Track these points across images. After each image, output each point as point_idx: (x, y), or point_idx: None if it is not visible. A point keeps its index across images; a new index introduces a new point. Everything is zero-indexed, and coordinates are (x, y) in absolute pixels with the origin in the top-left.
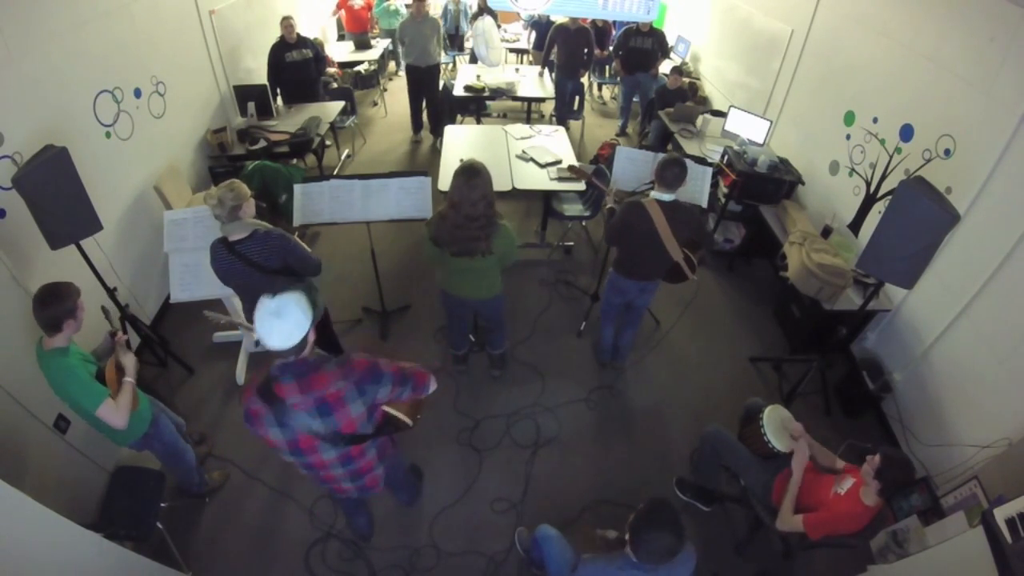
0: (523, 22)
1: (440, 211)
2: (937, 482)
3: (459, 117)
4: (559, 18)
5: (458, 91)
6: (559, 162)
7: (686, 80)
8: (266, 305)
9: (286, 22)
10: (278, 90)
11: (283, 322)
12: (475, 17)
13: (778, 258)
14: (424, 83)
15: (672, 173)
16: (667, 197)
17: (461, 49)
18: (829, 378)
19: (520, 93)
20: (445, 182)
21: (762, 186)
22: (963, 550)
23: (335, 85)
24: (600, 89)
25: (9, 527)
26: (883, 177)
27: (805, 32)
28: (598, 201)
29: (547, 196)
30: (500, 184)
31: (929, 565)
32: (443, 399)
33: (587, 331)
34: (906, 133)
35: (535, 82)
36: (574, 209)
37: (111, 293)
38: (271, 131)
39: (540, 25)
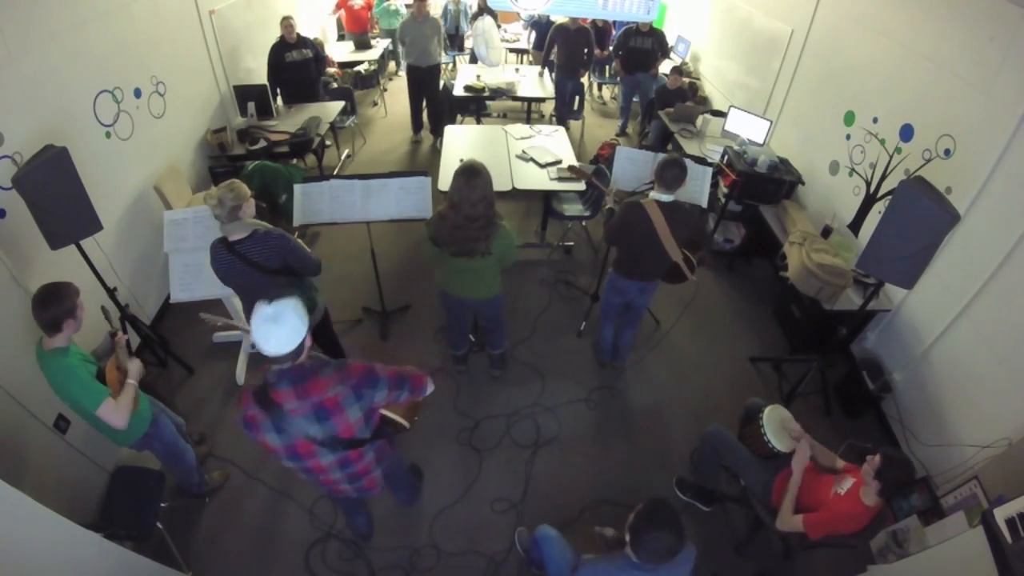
0: (523, 22)
1: (440, 211)
2: (937, 482)
3: (459, 117)
4: (559, 18)
5: (458, 91)
6: (559, 162)
7: (686, 80)
8: (263, 311)
9: (286, 22)
10: (278, 90)
11: (280, 328)
12: (475, 17)
13: (778, 258)
14: (425, 83)
15: (672, 174)
16: (666, 198)
17: (461, 49)
18: (829, 378)
19: (520, 93)
20: (445, 182)
21: (762, 186)
22: (963, 550)
23: (335, 85)
24: (600, 89)
25: (9, 527)
26: (883, 177)
27: (805, 32)
28: (598, 201)
29: (547, 196)
30: (500, 184)
31: (929, 565)
32: (443, 399)
33: (587, 331)
34: (906, 133)
35: (535, 82)
36: (574, 209)
37: (111, 293)
38: (271, 131)
39: (540, 25)
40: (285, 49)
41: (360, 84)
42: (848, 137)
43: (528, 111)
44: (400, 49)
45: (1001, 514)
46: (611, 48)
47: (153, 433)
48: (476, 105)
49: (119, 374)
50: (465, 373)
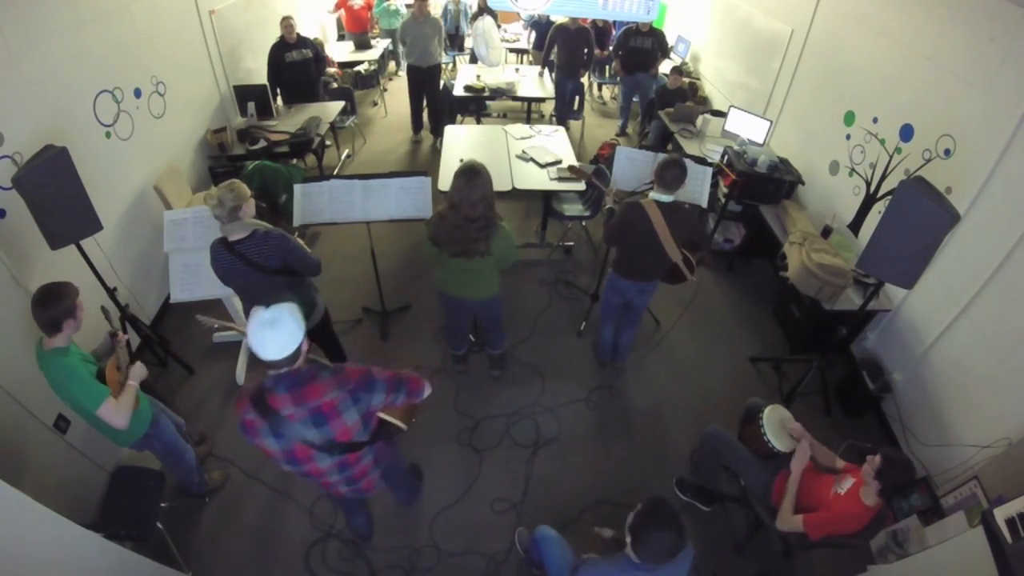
0: (523, 22)
1: (440, 211)
2: (937, 482)
3: (459, 117)
4: (559, 18)
5: (458, 91)
6: (559, 162)
7: (686, 80)
8: (260, 316)
9: (286, 22)
10: (278, 90)
11: (277, 332)
12: (475, 17)
13: (778, 258)
14: (425, 83)
15: (671, 175)
16: (666, 198)
17: (461, 49)
18: (829, 378)
19: (520, 93)
20: (445, 182)
21: (762, 186)
22: (963, 550)
23: (335, 85)
24: (600, 89)
25: (9, 527)
26: (883, 177)
27: (805, 32)
28: (598, 201)
29: (547, 196)
30: (500, 184)
31: (929, 565)
32: (443, 399)
33: (587, 331)
34: (906, 133)
35: (535, 82)
36: (574, 209)
37: (111, 293)
38: (271, 131)
39: (540, 25)
40: (285, 49)
41: (360, 84)
42: (848, 137)
43: (528, 111)
44: (400, 49)
45: (1001, 514)
46: (611, 48)
47: (153, 433)
48: (476, 105)
49: (119, 374)
50: (465, 373)
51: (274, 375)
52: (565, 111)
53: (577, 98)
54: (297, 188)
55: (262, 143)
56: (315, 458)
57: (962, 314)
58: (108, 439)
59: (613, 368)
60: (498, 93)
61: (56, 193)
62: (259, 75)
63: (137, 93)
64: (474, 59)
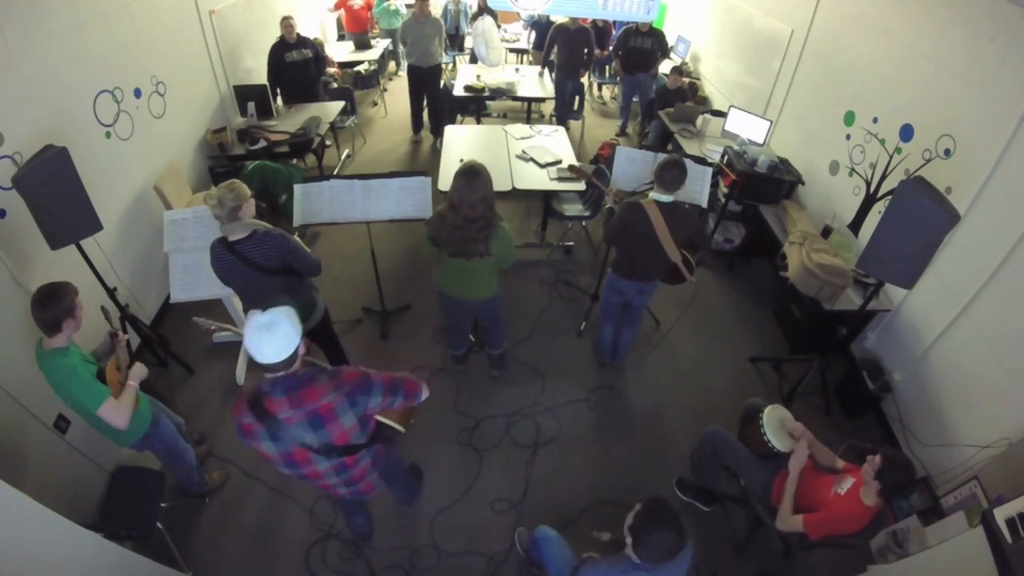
0: (523, 22)
1: (439, 211)
2: (937, 482)
3: (459, 117)
4: (559, 18)
5: (458, 91)
6: (559, 162)
7: (686, 80)
8: (256, 319)
9: (286, 22)
10: (278, 90)
11: (273, 336)
12: (475, 17)
13: (778, 258)
14: (425, 83)
15: (671, 175)
16: (666, 198)
17: (461, 49)
18: (829, 378)
19: (520, 93)
20: (445, 182)
21: (762, 186)
22: (963, 550)
23: (335, 85)
24: (600, 89)
25: (9, 527)
26: (883, 177)
27: (805, 32)
28: (598, 201)
29: (547, 196)
30: (500, 184)
31: (929, 565)
32: (443, 399)
33: (587, 331)
34: (906, 133)
35: (535, 82)
36: (574, 209)
37: (111, 293)
38: (271, 131)
39: (540, 25)
40: (285, 49)
41: (360, 84)
42: (848, 137)
43: (528, 111)
44: (401, 49)
45: (1001, 514)
46: (611, 48)
47: (153, 433)
48: (476, 105)
49: (119, 374)
50: (465, 373)
51: (271, 378)
52: (565, 111)
53: (577, 98)
54: (297, 188)
55: (262, 143)
56: (313, 461)
57: (962, 314)
58: (108, 439)
59: (613, 368)
60: (498, 93)
61: (56, 193)
62: (259, 75)
63: (137, 93)
64: (474, 59)
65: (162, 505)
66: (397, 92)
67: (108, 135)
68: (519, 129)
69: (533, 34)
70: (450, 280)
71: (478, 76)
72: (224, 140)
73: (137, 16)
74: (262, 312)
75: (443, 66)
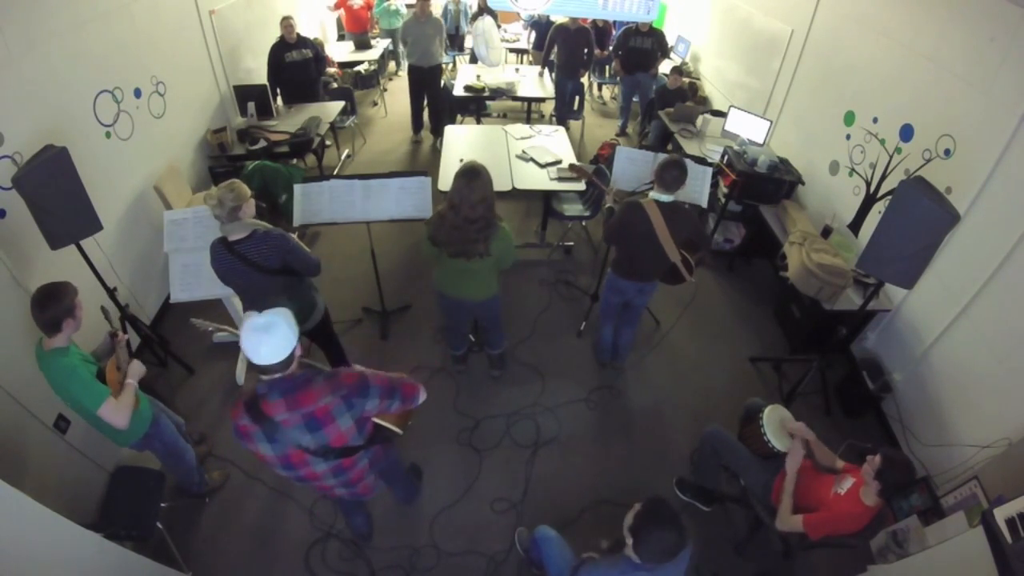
0: (523, 22)
1: (440, 211)
2: (937, 482)
3: (459, 117)
4: (559, 18)
5: (458, 91)
6: (559, 162)
7: (686, 80)
8: (253, 321)
9: (286, 22)
10: (278, 90)
11: (270, 337)
12: (475, 17)
13: (778, 258)
14: (426, 83)
15: (671, 175)
16: (666, 198)
17: (461, 49)
18: (829, 378)
19: (520, 93)
20: (445, 182)
21: (762, 186)
22: (963, 550)
23: (335, 85)
24: (600, 89)
25: (9, 527)
26: (883, 177)
27: (805, 32)
28: (598, 201)
29: (547, 196)
30: (500, 184)
31: (929, 565)
32: (443, 399)
33: (587, 331)
34: (906, 133)
35: (535, 82)
36: (574, 209)
37: (111, 293)
38: (271, 131)
39: (540, 25)
40: (285, 49)
41: (360, 84)
42: (848, 137)
43: (528, 111)
44: (401, 49)
45: (1001, 514)
46: (611, 48)
47: (153, 433)
48: (476, 105)
49: (119, 374)
50: (465, 373)
51: (268, 380)
52: (565, 111)
53: (577, 98)
54: (297, 188)
55: (262, 143)
56: (310, 463)
57: (962, 314)
58: (108, 439)
59: (613, 368)
60: (498, 93)
61: (56, 193)
62: (259, 75)
63: (137, 93)
64: (474, 59)
65: (162, 505)
66: (397, 92)
67: (108, 135)
68: (519, 129)
69: (533, 34)
70: (450, 280)
71: (478, 76)
72: (224, 140)
73: (137, 16)
74: (259, 314)
75: (443, 66)
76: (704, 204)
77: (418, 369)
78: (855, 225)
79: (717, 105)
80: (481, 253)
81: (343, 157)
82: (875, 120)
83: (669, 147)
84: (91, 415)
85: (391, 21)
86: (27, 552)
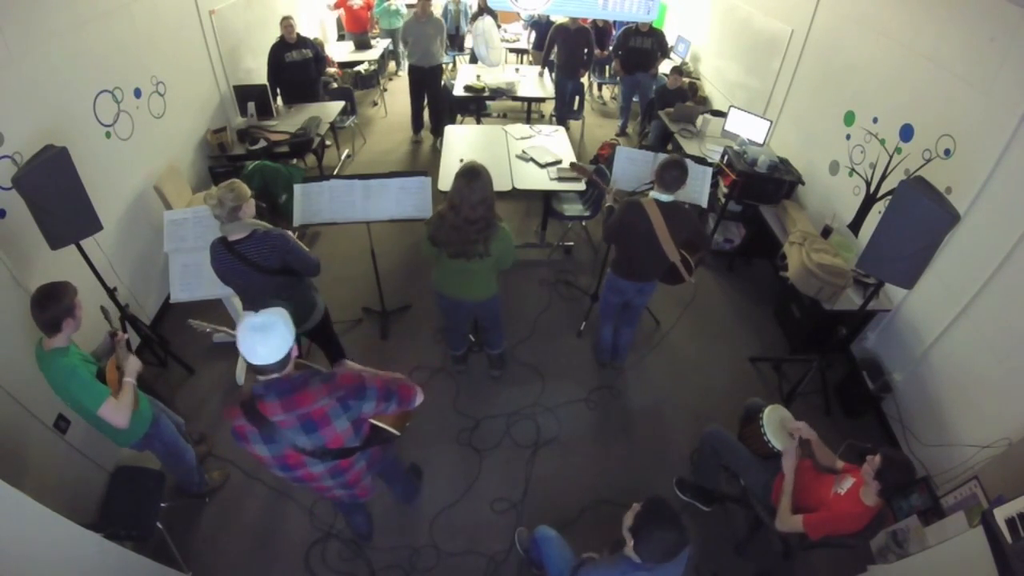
0: (523, 22)
1: (440, 211)
2: (937, 482)
3: (459, 117)
4: (559, 18)
5: (458, 91)
6: (559, 162)
7: (686, 80)
8: (250, 321)
9: (286, 22)
10: (278, 90)
11: (267, 337)
12: (475, 17)
13: (778, 258)
14: (426, 83)
15: (671, 176)
16: (666, 198)
17: (461, 49)
18: (829, 378)
19: (520, 93)
20: (445, 182)
21: (762, 186)
22: (963, 550)
23: (335, 85)
24: (600, 89)
25: (9, 527)
26: (883, 177)
27: (805, 32)
28: (598, 201)
29: (547, 196)
30: (500, 184)
31: (929, 565)
32: (443, 399)
33: (587, 331)
34: (906, 133)
35: (535, 82)
36: (574, 209)
37: (111, 293)
38: (271, 131)
39: (540, 25)
40: (285, 49)
41: (360, 84)
42: (848, 137)
43: (528, 111)
44: (401, 49)
45: (1001, 514)
46: (611, 48)
47: (154, 433)
48: (476, 105)
49: (119, 374)
50: (465, 373)
51: (264, 381)
52: (565, 111)
53: (577, 98)
54: (297, 188)
55: (262, 143)
56: (307, 464)
57: (962, 314)
58: (108, 439)
59: (613, 368)
60: (498, 93)
61: (56, 193)
62: (259, 75)
63: (137, 93)
64: (474, 59)
65: (162, 505)
66: (397, 92)
67: (108, 135)
68: (519, 129)
69: (533, 34)
70: (449, 281)
71: (478, 76)
72: (224, 140)
73: (137, 16)
74: (256, 313)
75: (443, 66)
76: (704, 204)
77: (418, 369)
78: (855, 225)
79: (717, 105)
80: (481, 253)
81: (343, 157)
82: (875, 120)
83: (669, 147)
84: (91, 415)
85: (391, 21)
86: (27, 552)
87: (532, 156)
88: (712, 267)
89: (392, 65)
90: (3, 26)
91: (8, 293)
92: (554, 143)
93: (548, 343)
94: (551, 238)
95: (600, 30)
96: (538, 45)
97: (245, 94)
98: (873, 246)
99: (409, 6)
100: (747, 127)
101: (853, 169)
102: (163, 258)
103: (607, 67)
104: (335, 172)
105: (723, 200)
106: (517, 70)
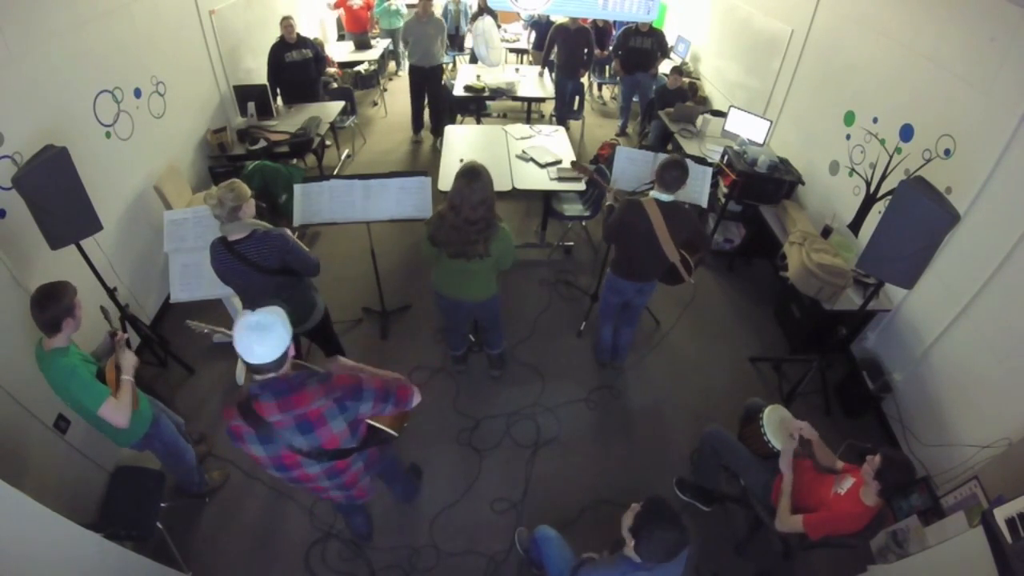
0: (523, 22)
1: (440, 211)
2: (937, 482)
3: (459, 117)
4: (559, 18)
5: (458, 91)
6: (559, 162)
7: (686, 80)
8: (246, 320)
9: (286, 22)
10: (278, 90)
11: (264, 336)
12: (475, 17)
13: (778, 258)
14: (427, 83)
15: (672, 176)
16: (666, 197)
17: (461, 49)
18: (829, 378)
19: (520, 93)
20: (445, 182)
21: (762, 186)
22: (963, 550)
23: (335, 85)
24: (600, 89)
25: (9, 527)
26: (883, 177)
27: (805, 32)
28: (598, 201)
29: (547, 196)
30: (500, 184)
31: (929, 565)
32: (443, 399)
33: (587, 331)
34: (906, 133)
35: (535, 82)
36: (574, 209)
37: (111, 293)
38: (271, 131)
39: (540, 25)
40: (285, 49)
41: (360, 84)
42: (848, 137)
43: (528, 111)
44: (401, 49)
45: (1001, 514)
46: (611, 48)
47: (154, 433)
48: (476, 105)
49: (119, 373)
50: (465, 373)
51: (261, 380)
52: (565, 111)
53: (577, 98)
54: (297, 188)
55: (262, 143)
56: (303, 464)
57: (962, 314)
58: (109, 439)
59: (613, 368)
60: (498, 93)
61: (56, 193)
62: (259, 75)
63: (137, 93)
64: (474, 59)
65: (162, 505)
66: (397, 92)
67: (108, 135)
68: (519, 129)
69: (533, 34)
70: (448, 281)
71: (478, 76)
72: (224, 140)
73: (137, 16)
74: (253, 312)
75: (443, 66)
76: (704, 204)
77: (418, 369)
78: (855, 225)
79: (717, 105)
80: (481, 254)
81: (343, 157)
82: (875, 120)
83: (669, 147)
84: (91, 415)
85: (391, 21)
86: (27, 552)
87: (532, 156)
88: (712, 267)
89: (392, 65)
90: (3, 26)
91: (8, 293)
92: (554, 143)
93: (548, 343)
94: (551, 238)
95: (600, 30)
96: (538, 45)
97: (245, 94)
98: (873, 246)
99: (409, 6)
100: (747, 127)
101: (853, 169)
102: (163, 258)
103: (607, 67)
104: (335, 172)
105: (723, 200)
106: (517, 70)
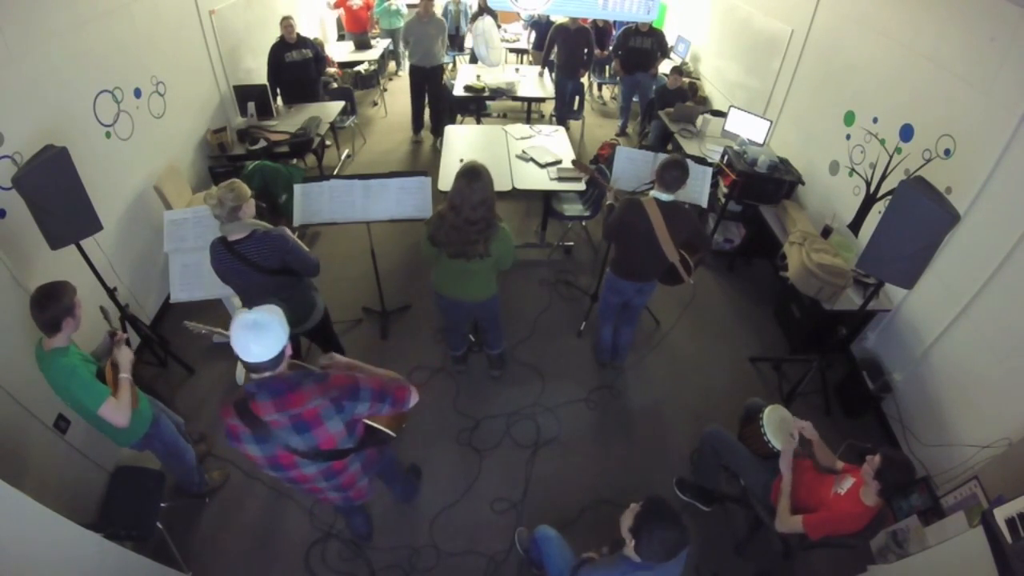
0: (523, 22)
1: (440, 211)
2: (937, 482)
3: (459, 117)
4: (559, 18)
5: (458, 91)
6: (559, 162)
7: (686, 80)
8: (243, 318)
9: (286, 22)
10: (278, 90)
11: (261, 335)
12: (475, 17)
13: (778, 258)
14: (427, 83)
15: (672, 176)
16: (666, 197)
17: (461, 49)
18: (829, 378)
19: (520, 93)
20: (445, 182)
21: (762, 186)
22: (963, 550)
23: (335, 85)
24: (600, 89)
25: (9, 527)
26: (883, 177)
27: (805, 32)
28: (598, 201)
29: (547, 196)
30: (500, 184)
31: (929, 565)
32: (443, 399)
33: (587, 331)
34: (906, 133)
35: (535, 82)
36: (574, 209)
37: (111, 293)
38: (271, 131)
39: (540, 25)
40: (285, 49)
41: (360, 84)
42: (848, 137)
43: (528, 111)
44: (401, 49)
45: (1001, 514)
46: (611, 48)
47: (154, 433)
48: (476, 105)
49: (116, 372)
50: (465, 373)
51: (257, 380)
52: (565, 111)
53: (577, 98)
54: (297, 188)
55: (262, 143)
56: (299, 464)
57: (962, 314)
58: (109, 439)
59: (613, 368)
60: (498, 93)
61: (56, 193)
62: (259, 75)
63: (137, 93)
64: (474, 59)
65: (162, 505)
66: (397, 92)
67: (108, 135)
68: (519, 129)
69: (533, 34)
70: (448, 281)
71: (478, 76)
72: (224, 140)
73: (137, 16)
74: (249, 311)
75: (444, 66)
76: (704, 204)
77: (418, 369)
78: (855, 225)
79: (717, 105)
80: (481, 254)
81: (343, 157)
82: (875, 120)
83: (669, 147)
84: (92, 415)
85: (391, 21)
86: (27, 552)
87: (532, 156)
88: (712, 267)
89: (392, 65)
90: (3, 26)
91: (8, 293)
92: (554, 143)
93: (548, 343)
94: (551, 238)
95: (600, 30)
96: (538, 45)
97: (245, 94)
98: (873, 246)
99: (410, 6)
100: (747, 127)
101: (853, 169)
102: (163, 258)
103: (607, 67)
104: (335, 172)
105: (723, 200)
106: (517, 70)
